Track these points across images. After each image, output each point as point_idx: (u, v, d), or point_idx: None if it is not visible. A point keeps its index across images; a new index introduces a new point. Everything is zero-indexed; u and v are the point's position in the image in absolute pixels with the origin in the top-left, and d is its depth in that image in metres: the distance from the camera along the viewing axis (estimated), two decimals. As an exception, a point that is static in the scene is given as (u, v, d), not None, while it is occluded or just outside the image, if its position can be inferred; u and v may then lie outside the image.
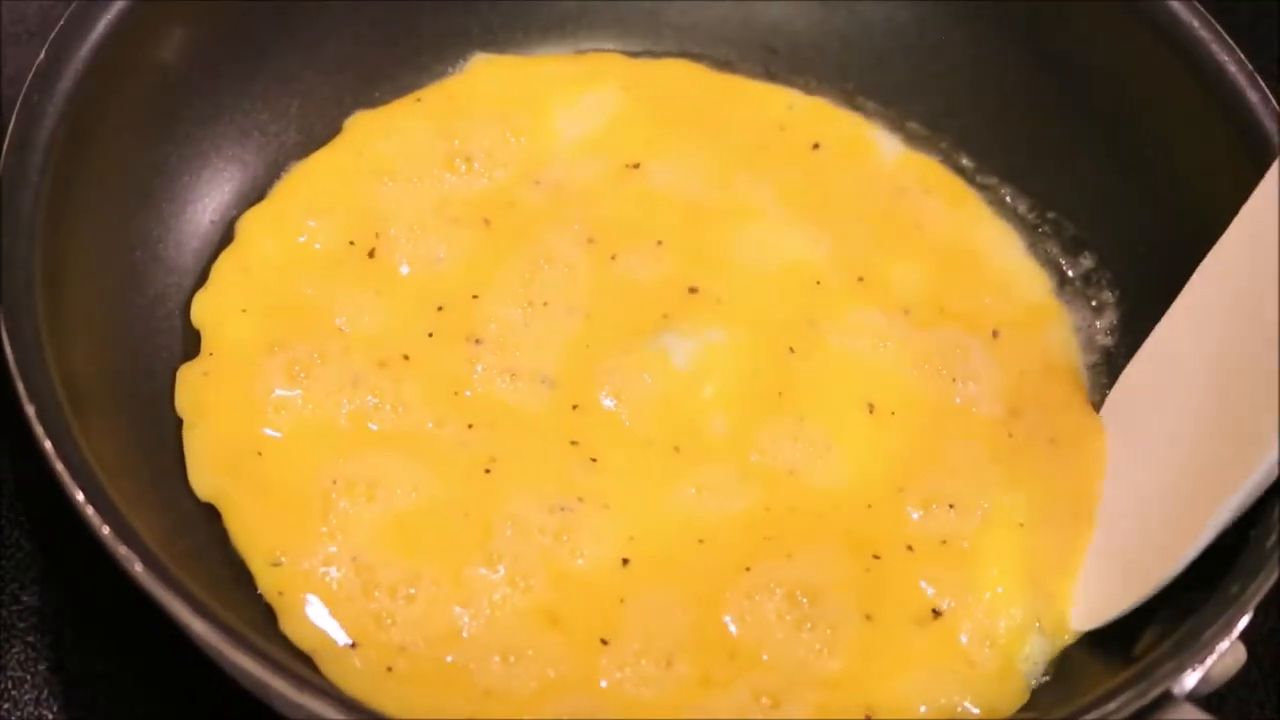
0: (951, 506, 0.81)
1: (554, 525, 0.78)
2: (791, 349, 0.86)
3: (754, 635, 0.76)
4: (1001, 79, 0.95)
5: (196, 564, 0.71)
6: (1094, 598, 0.78)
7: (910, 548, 0.80)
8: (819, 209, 0.91)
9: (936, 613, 0.78)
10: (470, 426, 0.81)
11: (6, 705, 0.77)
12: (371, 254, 0.86)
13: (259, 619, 0.75)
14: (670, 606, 0.77)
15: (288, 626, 0.75)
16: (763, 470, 0.82)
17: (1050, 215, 0.93)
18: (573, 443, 0.81)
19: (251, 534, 0.77)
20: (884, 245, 0.90)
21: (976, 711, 0.75)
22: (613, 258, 0.88)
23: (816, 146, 0.94)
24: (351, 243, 0.87)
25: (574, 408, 0.83)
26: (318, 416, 0.81)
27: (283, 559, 0.76)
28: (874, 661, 0.76)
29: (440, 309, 0.85)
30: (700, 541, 0.79)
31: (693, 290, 0.87)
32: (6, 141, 0.76)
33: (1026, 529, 0.81)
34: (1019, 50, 0.94)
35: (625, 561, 0.78)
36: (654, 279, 0.87)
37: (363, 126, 0.92)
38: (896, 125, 0.96)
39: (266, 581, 0.76)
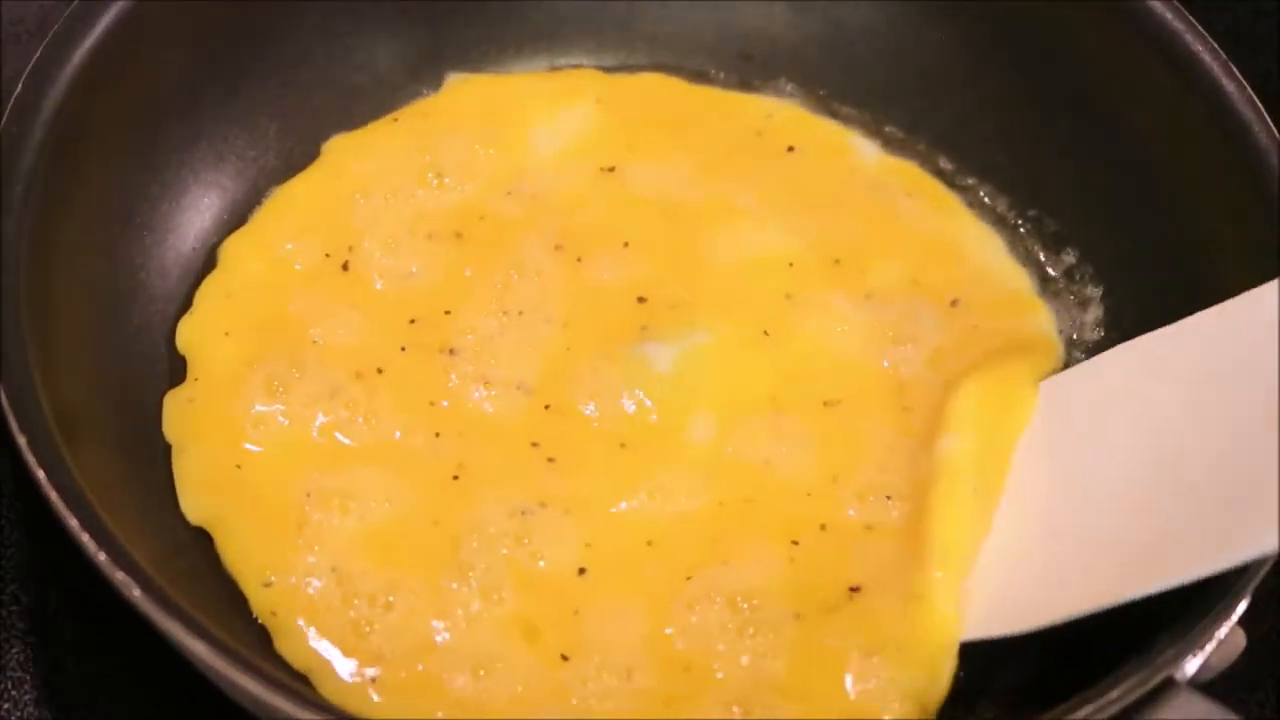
0: (888, 498, 0.81)
1: (515, 530, 0.78)
2: (766, 332, 0.86)
3: (701, 647, 0.76)
4: (977, 79, 0.95)
5: (192, 588, 0.71)
6: (990, 606, 0.77)
7: (824, 527, 0.80)
8: (795, 207, 0.92)
9: (854, 589, 0.78)
10: (437, 435, 0.81)
11: (6, 705, 0.77)
12: (345, 267, 0.87)
13: (255, 641, 0.75)
14: (623, 620, 0.77)
15: (283, 647, 0.75)
16: (720, 469, 0.82)
17: (1031, 213, 0.94)
18: (534, 444, 0.82)
19: (241, 555, 0.77)
20: (861, 239, 0.91)
21: (910, 687, 0.75)
22: (579, 259, 0.88)
23: (792, 149, 0.94)
24: (327, 255, 0.87)
25: (546, 408, 0.83)
26: (294, 431, 0.81)
27: (272, 578, 0.76)
28: (809, 658, 0.76)
29: (413, 322, 0.85)
30: (649, 544, 0.79)
31: (666, 291, 0.87)
32: None
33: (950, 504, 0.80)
34: (994, 50, 0.94)
35: (582, 571, 0.78)
36: (626, 283, 0.87)
37: (340, 149, 0.92)
38: (873, 129, 0.96)
39: (259, 603, 0.76)
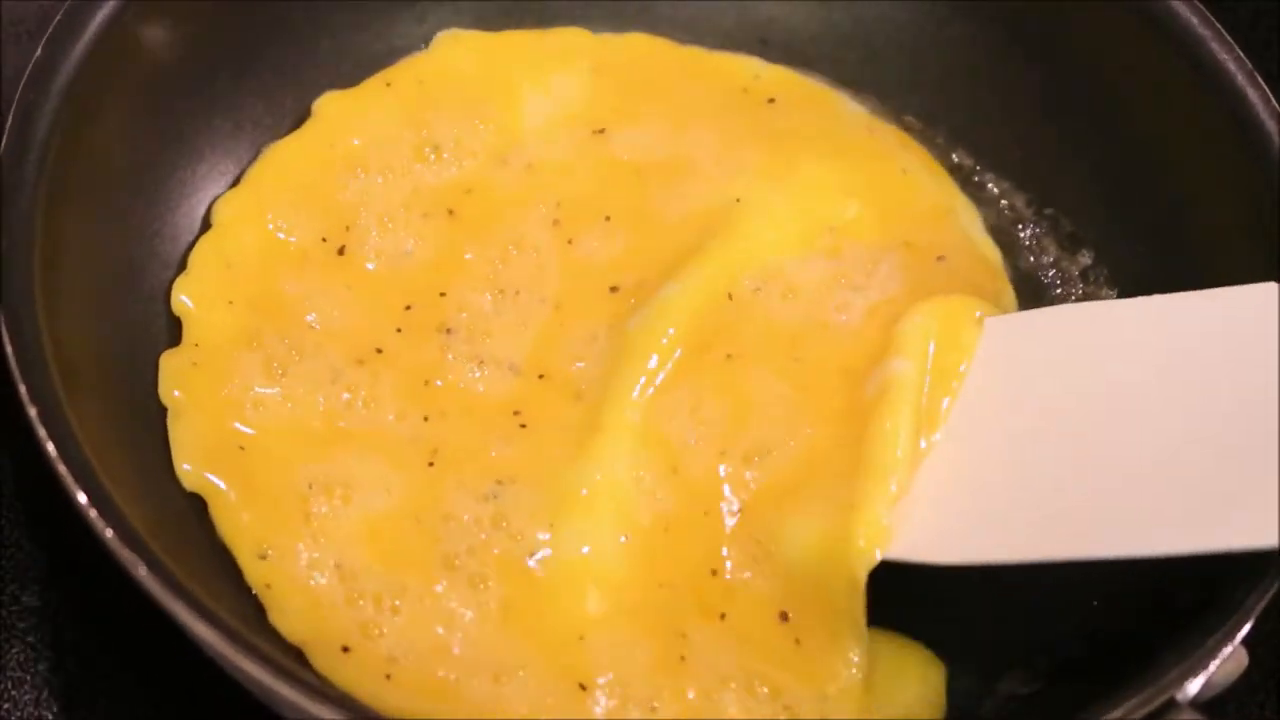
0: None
1: (489, 514, 0.78)
2: (730, 296, 0.85)
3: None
4: (996, 76, 0.95)
5: (185, 552, 0.71)
6: (922, 531, 0.76)
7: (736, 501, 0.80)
8: (773, 154, 0.91)
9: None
10: (425, 419, 0.81)
11: (6, 705, 0.77)
12: (341, 251, 0.86)
13: (249, 610, 0.75)
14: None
15: (277, 620, 0.75)
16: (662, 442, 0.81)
17: (1048, 211, 0.93)
18: (515, 412, 0.82)
19: (236, 527, 0.77)
20: (832, 183, 0.90)
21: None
22: (569, 241, 0.88)
23: (773, 101, 0.94)
24: (324, 239, 0.86)
25: (540, 377, 0.83)
26: (295, 414, 0.81)
27: (269, 552, 0.76)
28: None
29: (409, 308, 0.85)
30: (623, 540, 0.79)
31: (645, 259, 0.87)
32: (4, 141, 0.76)
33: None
34: (1014, 48, 0.94)
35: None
36: (614, 255, 0.87)
37: (332, 109, 0.91)
38: (891, 119, 0.96)
39: (254, 574, 0.76)
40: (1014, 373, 0.80)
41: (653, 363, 0.82)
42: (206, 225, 0.87)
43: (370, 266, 0.86)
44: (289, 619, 0.75)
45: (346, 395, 0.81)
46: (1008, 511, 0.75)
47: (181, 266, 0.85)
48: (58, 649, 0.79)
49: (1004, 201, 0.94)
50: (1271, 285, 0.75)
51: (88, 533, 0.67)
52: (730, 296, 0.85)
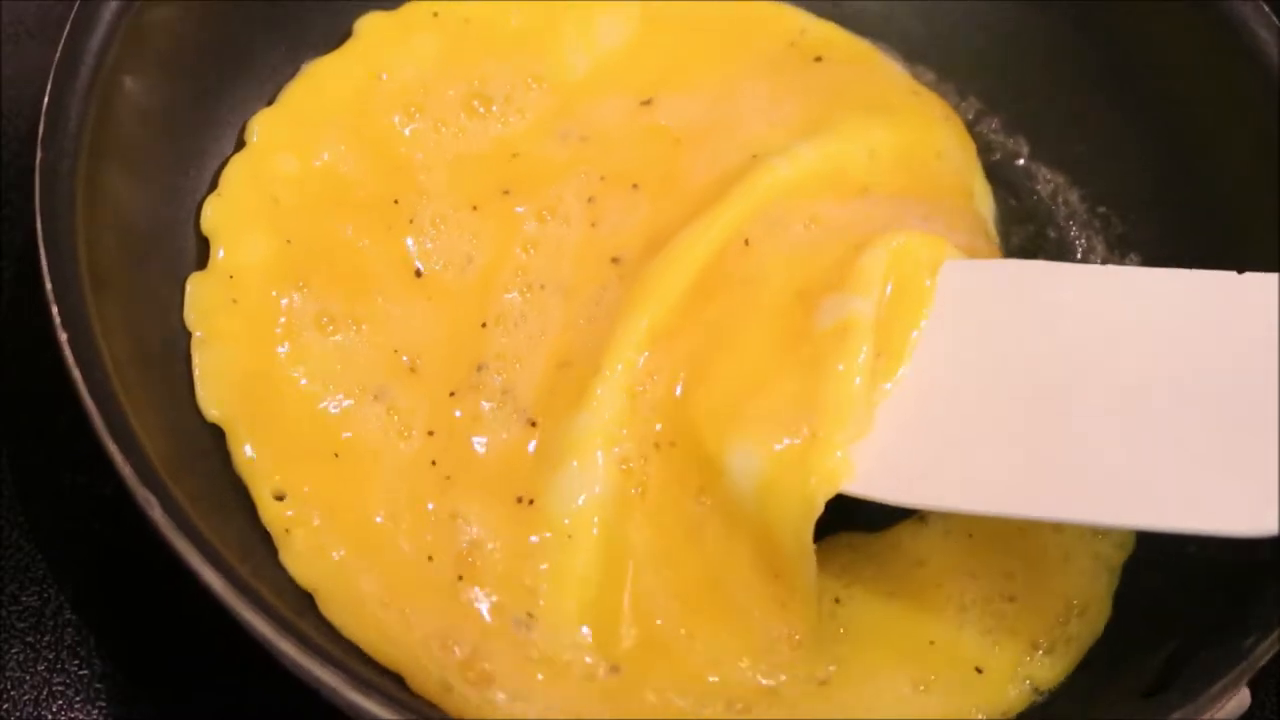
0: None
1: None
2: (747, 242, 0.83)
3: None
4: (1069, 69, 0.93)
5: (199, 483, 0.71)
6: (881, 468, 0.76)
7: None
8: (810, 111, 0.90)
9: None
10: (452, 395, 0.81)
11: (6, 705, 0.77)
12: (396, 201, 0.85)
13: (260, 550, 0.75)
14: None
15: (289, 562, 0.75)
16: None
17: (1100, 210, 0.92)
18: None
19: (256, 465, 0.77)
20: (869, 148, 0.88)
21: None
22: (593, 224, 0.86)
23: (819, 59, 0.93)
24: (395, 201, 0.85)
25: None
26: (340, 371, 0.80)
27: (286, 494, 0.76)
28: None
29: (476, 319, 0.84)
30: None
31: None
32: (59, 52, 0.76)
33: None
34: (1091, 45, 0.92)
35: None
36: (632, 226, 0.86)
37: (374, 30, 0.90)
38: (954, 97, 0.95)
39: (270, 513, 0.76)
40: (980, 321, 0.79)
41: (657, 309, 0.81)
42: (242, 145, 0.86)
43: (438, 268, 0.85)
44: (301, 563, 0.75)
45: (388, 389, 0.81)
46: (972, 460, 0.75)
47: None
48: (57, 649, 0.79)
49: (1059, 197, 0.93)
50: (1272, 275, 0.73)
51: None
52: (747, 242, 0.83)
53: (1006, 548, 0.80)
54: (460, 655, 0.74)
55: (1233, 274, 0.74)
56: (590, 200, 0.87)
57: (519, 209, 0.86)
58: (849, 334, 0.77)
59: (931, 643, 0.77)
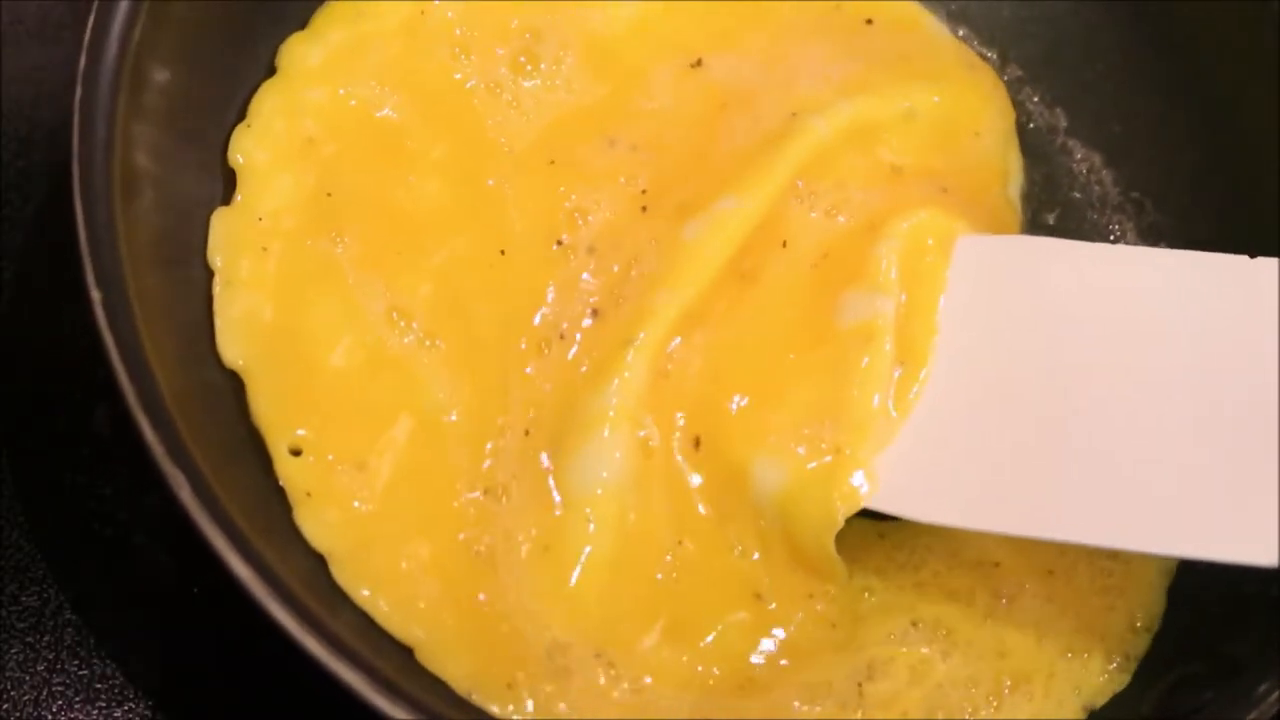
0: None
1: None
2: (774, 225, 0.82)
3: None
4: (1117, 51, 0.92)
5: (212, 433, 0.70)
6: (904, 483, 0.75)
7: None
8: (854, 75, 0.88)
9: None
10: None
11: (6, 705, 0.77)
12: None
13: (274, 507, 0.73)
14: None
15: (303, 520, 0.73)
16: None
17: (1134, 195, 0.91)
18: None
19: (275, 417, 0.75)
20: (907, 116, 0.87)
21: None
22: (643, 209, 0.84)
23: (870, 22, 0.91)
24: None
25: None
26: (377, 334, 0.78)
27: (304, 450, 0.75)
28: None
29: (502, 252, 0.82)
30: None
31: None
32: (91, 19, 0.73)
33: None
34: (1141, 25, 0.91)
35: None
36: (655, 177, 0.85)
37: None
38: (997, 64, 0.93)
39: (286, 470, 0.74)
40: (994, 305, 0.78)
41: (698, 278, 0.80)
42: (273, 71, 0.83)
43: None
44: (314, 524, 0.74)
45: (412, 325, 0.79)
46: (993, 480, 0.74)
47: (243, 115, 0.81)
48: (57, 649, 0.79)
49: (1092, 176, 0.91)
50: (1274, 260, 0.73)
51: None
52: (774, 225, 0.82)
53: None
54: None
55: (1244, 258, 0.74)
56: (633, 152, 0.85)
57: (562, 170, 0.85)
58: (871, 340, 0.77)
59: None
